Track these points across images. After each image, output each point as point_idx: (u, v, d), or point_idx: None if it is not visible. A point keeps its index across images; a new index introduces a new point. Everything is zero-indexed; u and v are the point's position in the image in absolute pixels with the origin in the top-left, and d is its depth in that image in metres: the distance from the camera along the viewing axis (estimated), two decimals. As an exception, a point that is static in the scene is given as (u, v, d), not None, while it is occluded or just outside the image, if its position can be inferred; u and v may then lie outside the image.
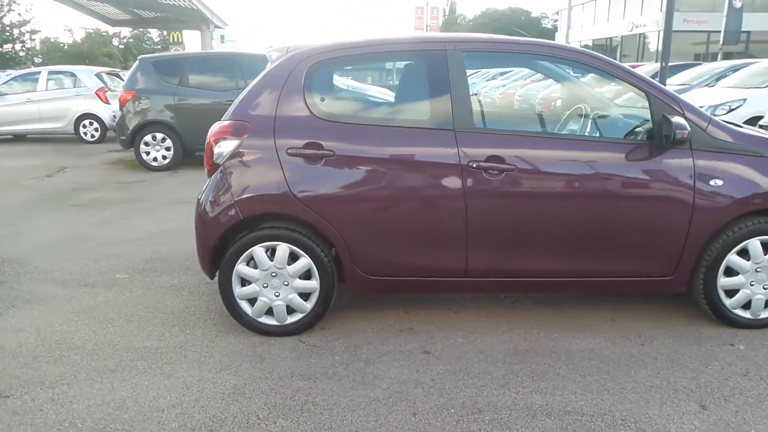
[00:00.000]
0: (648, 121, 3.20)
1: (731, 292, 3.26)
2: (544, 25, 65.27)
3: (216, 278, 3.27)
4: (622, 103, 4.17)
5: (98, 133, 12.23)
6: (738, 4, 25.39)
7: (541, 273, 3.22)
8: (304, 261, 3.16)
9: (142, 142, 8.73)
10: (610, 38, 42.70)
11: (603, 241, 3.17)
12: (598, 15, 43.38)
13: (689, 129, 2.96)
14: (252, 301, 3.23)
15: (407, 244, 3.15)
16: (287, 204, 3.10)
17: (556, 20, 61.62)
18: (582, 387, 2.72)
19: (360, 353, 3.06)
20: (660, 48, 40.51)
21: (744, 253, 3.20)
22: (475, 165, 3.05)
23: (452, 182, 3.06)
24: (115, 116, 11.96)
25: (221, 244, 3.19)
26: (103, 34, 46.22)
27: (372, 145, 3.10)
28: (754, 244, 3.18)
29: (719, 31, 34.15)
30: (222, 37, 34.86)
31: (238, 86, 8.53)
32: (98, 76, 12.66)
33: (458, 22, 74.06)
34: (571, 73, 3.96)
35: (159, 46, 57.75)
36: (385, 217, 3.13)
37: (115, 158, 10.20)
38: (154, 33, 63.05)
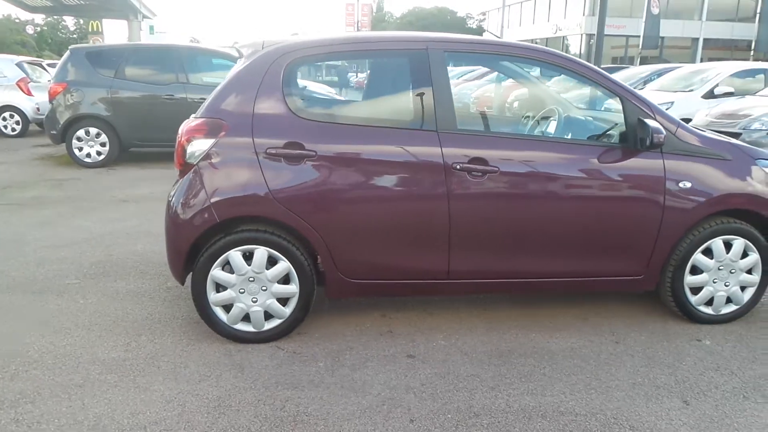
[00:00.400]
0: (617, 124, 3.30)
1: (696, 290, 3.40)
2: (469, 25, 66.53)
3: (186, 284, 3.10)
4: (571, 99, 4.29)
5: (20, 126, 11.45)
6: (656, 11, 26.84)
7: (522, 274, 3.25)
8: (284, 265, 3.04)
9: (74, 137, 8.22)
10: (535, 40, 44.12)
11: (580, 242, 3.23)
12: (524, 17, 44.75)
13: (665, 132, 3.06)
14: (227, 307, 3.09)
15: (389, 247, 3.10)
16: (266, 206, 2.98)
17: (481, 20, 63.04)
18: (569, 387, 2.76)
19: (343, 359, 2.98)
20: (582, 51, 41.93)
21: (708, 252, 3.35)
22: (459, 167, 3.03)
23: (435, 183, 3.03)
24: (38, 109, 11.26)
25: (194, 248, 3.03)
26: (16, 21, 43.34)
27: (354, 145, 3.03)
28: (717, 244, 3.33)
29: (637, 36, 36.05)
30: (151, 28, 33.39)
31: (178, 80, 8.19)
32: (19, 65, 11.83)
33: (386, 20, 74.45)
34: (531, 74, 4.02)
35: (75, 36, 54.82)
36: (367, 218, 3.06)
37: (43, 153, 9.56)
38: (69, 21, 59.66)
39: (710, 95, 10.26)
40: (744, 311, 3.49)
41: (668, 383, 2.81)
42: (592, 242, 3.24)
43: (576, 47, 37.60)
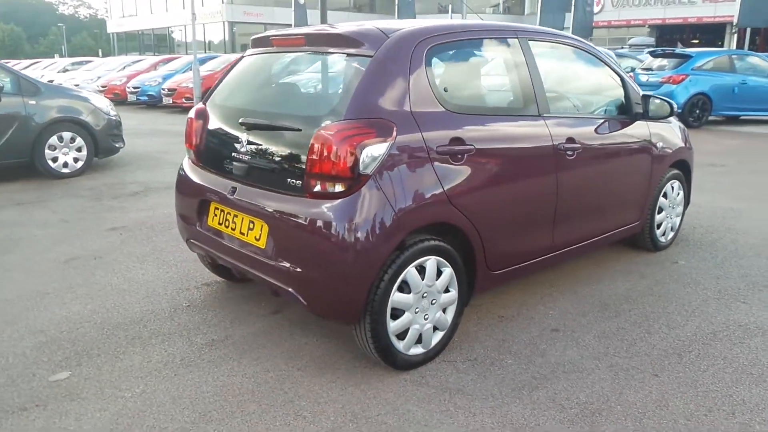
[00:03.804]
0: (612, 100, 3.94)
1: (658, 225, 4.35)
2: (61, 12, 59.65)
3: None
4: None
5: None
6: (302, 1, 28.89)
7: (587, 237, 3.65)
8: (448, 271, 2.81)
9: None
10: (170, 28, 42.62)
11: (619, 199, 3.82)
12: (155, 4, 42.55)
13: (676, 106, 3.83)
14: (400, 334, 2.71)
15: (521, 231, 3.15)
16: (443, 210, 2.70)
17: (78, 6, 57.45)
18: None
19: (535, 360, 2.90)
20: (227, 39, 42.15)
21: (665, 195, 4.31)
22: (561, 147, 3.25)
23: (550, 165, 3.20)
24: None
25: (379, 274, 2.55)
26: None
27: (498, 135, 2.96)
28: (673, 186, 4.33)
29: (274, 24, 38.16)
30: None
31: None
32: None
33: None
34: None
35: None
36: (510, 208, 3.04)
37: None
38: None
39: None
40: (675, 236, 4.59)
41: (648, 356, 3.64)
42: (624, 198, 3.86)
43: (220, 35, 37.71)
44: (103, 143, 7.34)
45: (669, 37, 35.05)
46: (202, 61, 15.89)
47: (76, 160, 7.15)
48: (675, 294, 3.67)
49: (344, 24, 3.03)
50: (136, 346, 3.05)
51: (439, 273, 2.76)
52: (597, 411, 2.48)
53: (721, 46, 31.93)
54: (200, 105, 3.37)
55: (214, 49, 36.72)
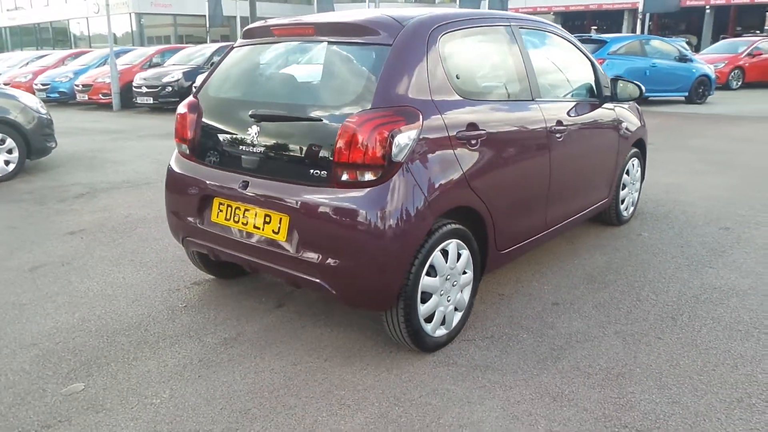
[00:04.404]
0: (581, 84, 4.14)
1: (622, 201, 4.64)
2: None
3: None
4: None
5: None
6: (215, -9, 27.96)
7: (570, 215, 3.84)
8: (465, 253, 2.89)
9: None
10: (70, 20, 40.09)
11: (597, 177, 4.04)
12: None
13: (644, 89, 4.08)
14: (428, 317, 2.77)
15: (523, 211, 3.28)
16: (464, 194, 2.77)
17: None
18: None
19: (547, 333, 3.03)
20: (134, 30, 40.12)
21: (627, 172, 4.60)
22: (553, 129, 3.40)
23: (545, 147, 3.34)
24: None
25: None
26: None
27: (504, 119, 3.06)
28: (633, 161, 4.62)
29: (185, 15, 36.78)
30: None
31: None
32: None
33: None
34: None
35: None
36: (515, 189, 3.16)
37: None
38: None
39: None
40: (634, 210, 4.91)
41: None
42: (600, 177, 4.09)
43: (124, 27, 35.83)
44: (35, 143, 6.86)
45: (571, 24, 36.86)
46: (117, 55, 15.08)
47: (7, 162, 6.66)
48: (650, 263, 3.95)
49: (349, 12, 3.02)
50: (144, 351, 2.94)
51: (457, 256, 2.84)
52: (620, 374, 2.65)
53: (619, 31, 33.99)
54: (191, 98, 3.25)
55: (120, 42, 34.88)
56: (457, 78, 2.86)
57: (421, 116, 2.59)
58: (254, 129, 2.83)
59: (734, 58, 18.05)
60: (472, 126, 2.82)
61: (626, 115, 4.41)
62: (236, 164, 2.91)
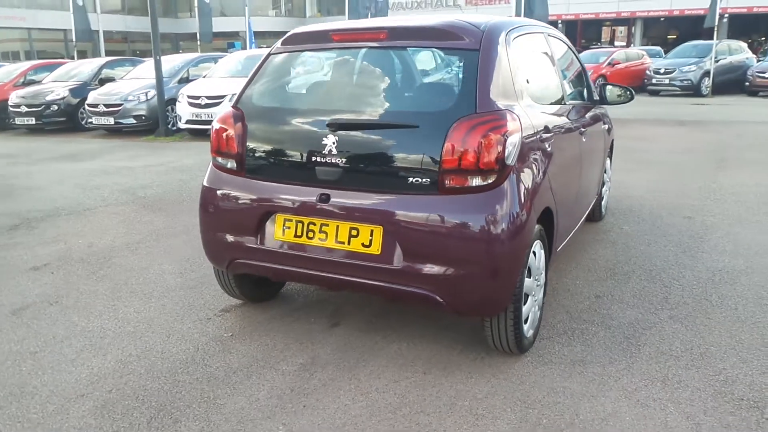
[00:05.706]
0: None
1: (603, 196, 4.97)
2: None
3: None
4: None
5: None
6: (81, 3, 25.98)
7: (582, 213, 4.04)
8: (542, 254, 2.95)
9: None
10: None
11: (597, 178, 4.29)
12: None
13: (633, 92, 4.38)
14: (525, 318, 2.78)
15: (570, 210, 3.41)
16: (549, 195, 2.83)
17: None
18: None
19: (611, 324, 3.17)
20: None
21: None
22: (580, 130, 3.58)
23: (578, 147, 3.52)
24: None
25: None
26: None
27: (558, 122, 3.17)
28: (607, 160, 4.97)
29: (40, 29, 33.94)
30: None
31: None
32: None
33: None
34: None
35: None
36: (569, 188, 3.29)
37: None
38: None
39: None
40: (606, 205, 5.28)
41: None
42: (599, 175, 4.35)
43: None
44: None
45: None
46: (-17, 71, 13.48)
47: None
48: (650, 253, 4.25)
49: (423, 18, 2.96)
50: (221, 387, 2.66)
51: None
52: (703, 354, 2.84)
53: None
54: (231, 110, 3.01)
55: None
56: (527, 82, 2.92)
57: (519, 119, 2.61)
58: (331, 139, 2.68)
59: (597, 68, 19.88)
60: (546, 129, 2.89)
61: (608, 116, 4.73)
62: (308, 177, 2.74)
